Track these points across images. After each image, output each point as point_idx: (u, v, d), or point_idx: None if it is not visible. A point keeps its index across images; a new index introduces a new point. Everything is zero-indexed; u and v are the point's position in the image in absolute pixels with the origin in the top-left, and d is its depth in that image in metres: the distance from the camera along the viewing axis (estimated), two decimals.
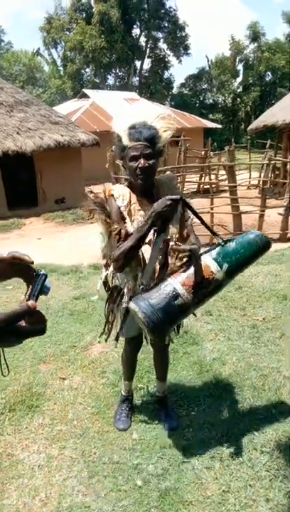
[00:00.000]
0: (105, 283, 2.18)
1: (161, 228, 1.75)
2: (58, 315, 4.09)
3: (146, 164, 1.82)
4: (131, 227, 1.87)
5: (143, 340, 2.30)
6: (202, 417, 2.47)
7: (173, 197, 1.71)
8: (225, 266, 1.67)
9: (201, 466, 2.09)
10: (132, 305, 1.68)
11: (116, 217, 1.89)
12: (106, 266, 2.13)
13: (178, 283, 1.67)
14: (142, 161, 1.82)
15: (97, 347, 3.40)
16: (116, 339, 2.22)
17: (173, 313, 1.65)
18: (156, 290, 1.67)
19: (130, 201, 1.92)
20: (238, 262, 1.69)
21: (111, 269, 2.08)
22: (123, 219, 1.89)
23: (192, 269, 1.68)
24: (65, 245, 7.47)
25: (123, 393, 2.60)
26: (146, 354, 2.95)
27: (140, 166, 1.82)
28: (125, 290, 2.05)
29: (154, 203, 1.76)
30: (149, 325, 1.60)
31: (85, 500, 1.93)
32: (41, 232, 8.76)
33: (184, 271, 1.71)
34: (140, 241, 1.78)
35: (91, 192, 1.97)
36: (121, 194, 1.92)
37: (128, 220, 1.89)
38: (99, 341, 3.36)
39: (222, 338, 3.46)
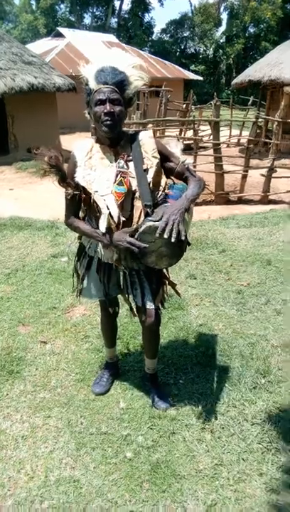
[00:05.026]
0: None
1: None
2: (36, 273, 3.90)
3: (112, 110, 1.69)
4: (90, 176, 1.83)
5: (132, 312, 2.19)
6: (191, 386, 2.41)
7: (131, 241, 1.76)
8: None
9: (192, 437, 2.04)
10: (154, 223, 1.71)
11: (70, 177, 1.85)
12: (83, 219, 2.03)
13: None
14: (108, 105, 1.69)
15: (78, 309, 3.26)
16: (78, 295, 2.23)
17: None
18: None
19: (91, 150, 1.85)
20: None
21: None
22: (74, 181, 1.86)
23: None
24: (39, 197, 7.11)
25: (107, 359, 2.51)
26: (130, 318, 2.85)
27: (105, 111, 1.69)
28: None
29: (118, 151, 1.81)
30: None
31: (74, 474, 1.85)
32: (13, 183, 8.30)
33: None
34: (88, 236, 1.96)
35: (38, 149, 1.83)
36: (81, 147, 1.87)
37: (86, 170, 1.83)
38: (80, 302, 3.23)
39: (207, 304, 3.38)
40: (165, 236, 1.67)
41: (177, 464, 1.91)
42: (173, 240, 1.67)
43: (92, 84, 1.73)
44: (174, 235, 1.67)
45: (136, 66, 1.77)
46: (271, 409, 2.23)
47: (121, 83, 1.71)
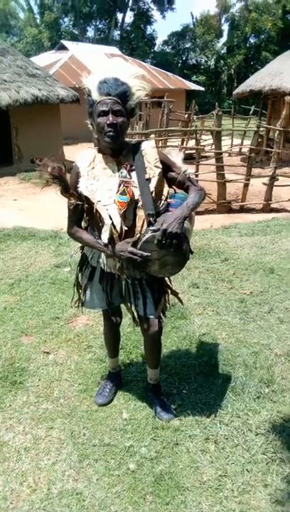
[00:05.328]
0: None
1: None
2: (39, 283, 3.90)
3: (115, 121, 1.70)
4: (93, 186, 1.83)
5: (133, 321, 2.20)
6: (194, 396, 2.39)
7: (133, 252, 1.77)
8: None
9: (196, 448, 2.03)
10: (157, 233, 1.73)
11: (72, 187, 1.86)
12: (86, 229, 2.03)
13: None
14: (111, 117, 1.70)
15: (81, 319, 3.26)
16: (80, 306, 2.23)
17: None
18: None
19: (93, 160, 1.86)
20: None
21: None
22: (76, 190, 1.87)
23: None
24: (42, 207, 7.15)
25: (109, 370, 2.50)
26: (132, 328, 2.84)
27: (108, 122, 1.70)
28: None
29: (120, 161, 1.82)
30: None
31: (76, 486, 1.83)
32: (17, 194, 8.35)
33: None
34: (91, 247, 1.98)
35: (41, 160, 1.84)
36: (83, 157, 1.88)
37: (89, 180, 1.84)
38: (82, 312, 3.22)
39: (210, 313, 3.37)
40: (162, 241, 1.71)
41: (181, 475, 1.89)
42: (171, 248, 1.70)
43: (95, 96, 1.74)
44: (173, 242, 1.70)
45: (137, 76, 1.79)
46: (276, 419, 2.20)
47: (123, 94, 1.73)
